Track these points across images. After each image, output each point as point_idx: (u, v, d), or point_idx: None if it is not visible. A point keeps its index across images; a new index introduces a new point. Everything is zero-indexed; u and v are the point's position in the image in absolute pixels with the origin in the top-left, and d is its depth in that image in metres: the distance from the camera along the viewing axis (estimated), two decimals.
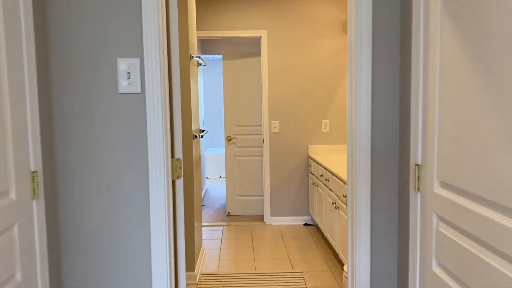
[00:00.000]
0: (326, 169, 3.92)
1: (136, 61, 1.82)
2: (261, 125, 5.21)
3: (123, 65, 1.81)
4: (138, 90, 1.83)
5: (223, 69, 5.25)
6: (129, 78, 1.82)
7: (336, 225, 3.54)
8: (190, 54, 3.20)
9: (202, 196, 6.22)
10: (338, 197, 3.48)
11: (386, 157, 2.00)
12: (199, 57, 3.49)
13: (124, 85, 1.82)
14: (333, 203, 3.59)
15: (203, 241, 4.41)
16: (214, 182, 7.89)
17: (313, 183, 4.51)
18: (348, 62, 2.04)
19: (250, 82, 5.20)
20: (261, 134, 5.22)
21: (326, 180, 3.88)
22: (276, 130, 4.84)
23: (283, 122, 4.83)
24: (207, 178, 8.30)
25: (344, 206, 3.27)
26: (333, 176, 3.63)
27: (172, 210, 1.99)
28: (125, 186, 1.87)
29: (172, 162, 2.00)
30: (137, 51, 1.82)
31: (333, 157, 4.55)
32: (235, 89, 5.23)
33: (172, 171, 2.00)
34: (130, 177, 1.86)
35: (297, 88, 4.79)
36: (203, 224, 4.99)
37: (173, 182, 2.07)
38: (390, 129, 1.99)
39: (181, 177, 2.05)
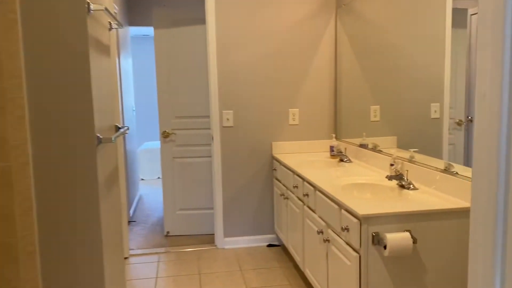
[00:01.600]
0: (303, 179, 2.77)
1: None
2: (209, 117, 3.96)
3: None
4: None
5: (155, 41, 3.91)
6: None
7: (321, 263, 2.41)
8: (88, 2, 1.88)
9: (132, 209, 4.86)
10: (328, 225, 2.34)
11: None
12: (109, 12, 2.16)
13: None
14: (319, 232, 2.45)
15: (127, 285, 3.12)
16: (153, 185, 6.53)
17: (282, 195, 3.35)
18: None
19: (193, 59, 3.91)
20: (210, 129, 3.97)
21: (305, 195, 2.72)
22: (230, 123, 3.61)
23: (238, 113, 3.61)
24: (142, 180, 6.91)
25: (341, 242, 2.13)
26: (318, 192, 2.48)
27: None
28: None
29: None
30: None
31: (305, 158, 3.40)
32: (172, 68, 3.91)
33: None
34: None
35: (257, 68, 3.57)
36: (130, 252, 3.68)
37: None
38: None
39: None
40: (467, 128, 2.11)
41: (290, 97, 3.63)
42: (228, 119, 3.59)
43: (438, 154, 2.30)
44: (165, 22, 3.88)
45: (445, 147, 2.26)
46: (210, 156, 3.98)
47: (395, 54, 2.71)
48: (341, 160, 3.23)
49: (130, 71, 5.47)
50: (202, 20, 3.85)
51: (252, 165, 3.67)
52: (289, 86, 3.62)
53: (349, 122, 3.44)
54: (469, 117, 2.10)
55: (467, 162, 2.11)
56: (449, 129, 2.23)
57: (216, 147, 3.62)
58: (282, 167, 3.33)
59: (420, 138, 2.49)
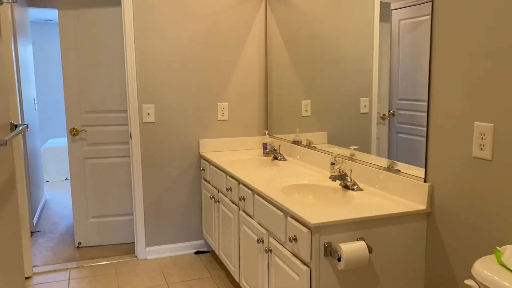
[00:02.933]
0: (238, 181, 2.50)
1: None
2: (126, 112, 3.51)
3: None
4: None
5: (60, 24, 3.37)
6: None
7: (261, 275, 2.16)
8: None
9: (35, 217, 4.22)
10: (271, 233, 2.10)
11: None
12: None
13: None
14: (259, 241, 2.20)
15: None
16: (60, 187, 5.83)
17: (212, 197, 3.05)
18: None
19: (106, 45, 3.43)
20: (127, 125, 3.53)
21: (241, 199, 2.45)
22: (151, 119, 3.21)
23: (160, 107, 3.22)
24: (46, 182, 6.16)
25: (287, 253, 1.90)
26: (257, 196, 2.22)
27: None
28: None
29: None
30: None
31: (237, 157, 3.13)
32: (81, 56, 3.40)
33: None
34: None
35: (181, 57, 3.21)
36: (34, 270, 3.14)
37: None
38: None
39: None
40: (390, 122, 2.07)
41: (219, 90, 3.33)
42: (149, 114, 3.19)
43: (367, 150, 2.24)
44: (71, 2, 3.34)
45: (374, 142, 2.19)
46: (128, 156, 3.54)
47: (326, 46, 2.56)
48: (275, 158, 3.01)
49: (30, 60, 4.76)
50: (117, 1, 3.39)
51: (177, 165, 3.31)
52: (217, 78, 3.32)
53: (281, 117, 3.24)
54: (391, 111, 2.04)
55: (391, 156, 2.08)
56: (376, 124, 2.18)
57: (135, 146, 3.20)
58: (212, 167, 3.02)
59: (350, 133, 2.40)
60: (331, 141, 2.58)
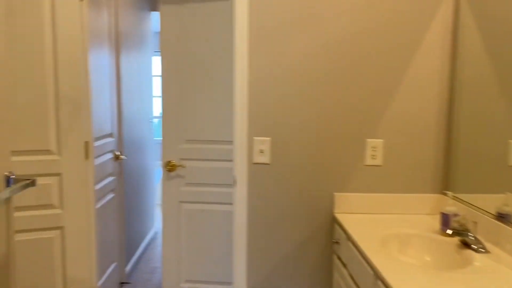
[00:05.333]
0: None
1: None
2: (231, 143, 2.57)
3: None
4: None
5: (161, 26, 2.60)
6: None
7: None
8: None
9: (132, 260, 3.53)
10: None
11: None
12: None
13: None
14: None
15: None
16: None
17: None
18: None
19: (214, 51, 2.55)
20: (230, 161, 2.59)
21: None
22: (264, 159, 2.18)
23: (278, 142, 2.18)
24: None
25: None
26: None
27: None
28: None
29: None
30: None
31: (393, 228, 1.89)
32: (181, 66, 2.57)
33: None
34: None
35: (312, 71, 2.13)
36: None
37: None
38: None
39: None
40: None
41: (368, 121, 2.15)
42: (262, 152, 2.17)
43: None
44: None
45: None
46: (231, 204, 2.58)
47: None
48: (466, 244, 1.70)
49: (145, 72, 4.23)
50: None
51: (298, 228, 2.21)
52: (367, 102, 2.14)
53: (475, 166, 1.90)
54: None
55: None
56: None
57: (240, 196, 2.21)
58: (351, 245, 1.85)
59: None
60: None
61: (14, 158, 2.19)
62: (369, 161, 2.16)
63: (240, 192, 2.20)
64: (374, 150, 2.14)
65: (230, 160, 2.58)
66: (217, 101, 2.56)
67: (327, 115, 2.14)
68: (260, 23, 2.10)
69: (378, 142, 2.15)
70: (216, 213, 2.62)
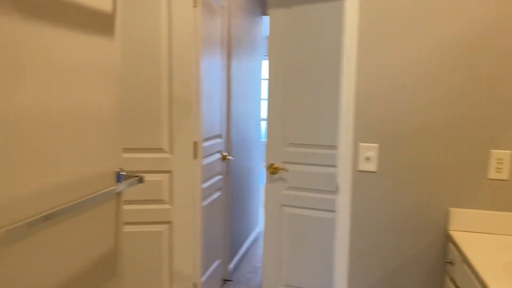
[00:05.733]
0: None
1: None
2: (336, 148, 2.46)
3: None
4: None
5: (270, 29, 2.60)
6: None
7: None
8: None
9: (236, 258, 3.60)
10: None
11: None
12: None
13: None
14: None
15: None
16: None
17: None
18: None
19: (321, 54, 2.48)
20: (335, 166, 2.48)
21: None
22: (371, 166, 2.05)
23: (387, 149, 2.03)
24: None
25: None
26: None
27: None
28: None
29: None
30: None
31: None
32: (287, 69, 2.55)
33: None
34: None
35: (430, 69, 1.94)
36: None
37: None
38: None
39: None
40: None
41: (492, 129, 1.89)
42: (368, 159, 2.04)
43: None
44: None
45: None
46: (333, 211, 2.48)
47: None
48: None
49: (255, 76, 4.30)
50: None
51: (406, 244, 2.03)
52: (495, 108, 1.88)
53: None
54: None
55: None
56: None
57: (343, 205, 2.10)
58: (467, 268, 1.63)
59: None
60: None
61: (131, 155, 2.37)
62: (493, 174, 1.89)
63: (343, 200, 2.10)
64: (500, 162, 1.88)
65: (334, 166, 2.49)
66: (323, 105, 2.48)
67: (446, 121, 1.93)
68: (370, 22, 1.98)
69: (505, 153, 1.87)
70: (317, 219, 2.55)
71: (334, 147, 2.48)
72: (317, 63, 2.48)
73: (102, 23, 1.31)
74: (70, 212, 1.15)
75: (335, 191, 2.48)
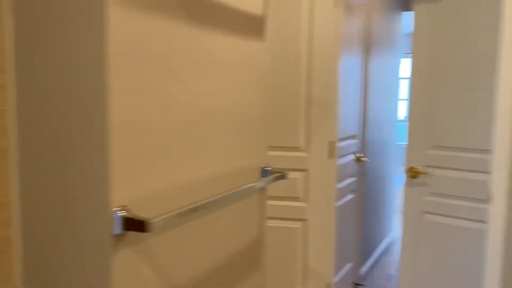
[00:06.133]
0: None
1: None
2: (489, 151, 2.23)
3: None
4: None
5: (415, 26, 2.47)
6: None
7: None
8: None
9: (369, 262, 3.49)
10: None
11: None
12: None
13: None
14: None
15: None
16: None
17: None
18: None
19: (471, 51, 2.27)
20: (485, 172, 2.24)
21: None
22: None
23: None
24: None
25: None
26: None
27: None
28: None
29: None
30: None
31: None
32: (433, 68, 2.39)
33: None
34: None
35: None
36: None
37: None
38: None
39: None
40: None
41: None
42: None
43: None
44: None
45: None
46: (483, 223, 2.24)
47: None
48: None
49: (393, 74, 4.12)
50: None
51: None
52: None
53: None
54: None
55: None
56: None
57: (497, 214, 1.89)
58: None
59: None
60: None
61: (271, 153, 2.47)
62: None
63: (497, 210, 1.89)
64: None
65: (485, 172, 2.26)
66: (473, 105, 2.27)
67: None
68: None
69: None
70: (463, 230, 2.34)
71: (483, 150, 2.25)
72: (467, 60, 2.28)
73: (253, 26, 1.39)
74: (223, 202, 1.24)
75: (486, 199, 2.25)
